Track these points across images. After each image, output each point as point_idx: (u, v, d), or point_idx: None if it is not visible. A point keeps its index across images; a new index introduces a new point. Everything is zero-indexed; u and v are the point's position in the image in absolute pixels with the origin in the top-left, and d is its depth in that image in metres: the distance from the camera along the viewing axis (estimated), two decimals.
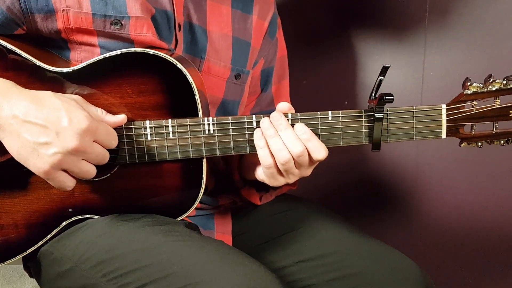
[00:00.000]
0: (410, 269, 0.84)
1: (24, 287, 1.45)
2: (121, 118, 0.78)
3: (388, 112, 0.80)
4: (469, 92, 0.80)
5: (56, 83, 0.79)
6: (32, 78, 0.79)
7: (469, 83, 0.81)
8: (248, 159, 0.88)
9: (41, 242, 0.85)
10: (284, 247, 0.91)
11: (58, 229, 0.84)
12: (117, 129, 0.79)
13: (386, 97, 0.74)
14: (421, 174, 1.31)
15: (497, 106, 0.81)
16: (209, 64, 0.91)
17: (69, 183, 0.73)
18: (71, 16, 0.79)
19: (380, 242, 0.89)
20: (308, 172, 0.80)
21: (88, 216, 0.84)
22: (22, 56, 0.79)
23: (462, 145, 0.85)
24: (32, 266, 0.90)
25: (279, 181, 0.80)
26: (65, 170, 0.72)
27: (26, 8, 0.78)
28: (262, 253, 0.91)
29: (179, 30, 0.87)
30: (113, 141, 0.76)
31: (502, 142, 0.84)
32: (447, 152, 1.27)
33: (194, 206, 0.84)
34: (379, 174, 1.35)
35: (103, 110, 0.78)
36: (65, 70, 0.79)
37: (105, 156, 0.75)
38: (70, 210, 0.83)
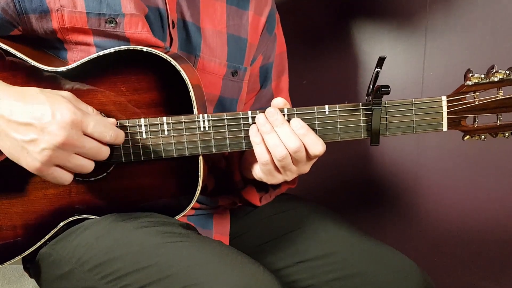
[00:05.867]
0: (410, 269, 0.81)
1: (24, 287, 1.44)
2: (110, 121, 0.74)
3: (386, 105, 0.75)
4: (470, 83, 0.76)
5: (51, 83, 0.77)
6: (28, 79, 0.77)
7: (470, 74, 0.77)
8: (246, 158, 0.84)
9: (39, 243, 0.82)
10: (284, 248, 0.88)
11: (56, 229, 0.82)
12: None
13: (383, 89, 0.70)
14: (422, 174, 1.27)
15: (500, 97, 0.77)
16: (204, 61, 0.88)
17: (65, 177, 0.70)
18: (66, 16, 0.77)
19: (380, 242, 0.86)
20: (306, 168, 0.76)
21: (85, 216, 0.82)
22: (17, 57, 0.77)
23: (465, 138, 0.80)
24: (32, 268, 0.88)
25: (277, 178, 0.76)
26: (59, 165, 0.69)
27: (21, 9, 0.76)
28: (261, 253, 0.88)
29: (173, 27, 0.84)
30: (106, 133, 0.71)
31: (506, 134, 0.79)
32: (448, 151, 1.23)
33: (192, 204, 0.80)
34: (379, 173, 1.32)
35: (94, 109, 0.74)
36: (59, 69, 0.77)
37: (100, 150, 0.71)
38: (67, 210, 0.81)
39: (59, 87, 0.77)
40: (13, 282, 1.42)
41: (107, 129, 0.71)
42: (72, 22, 0.77)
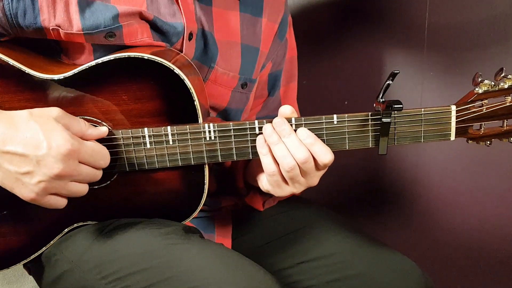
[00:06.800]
0: (411, 270, 0.82)
1: (24, 287, 1.43)
2: (103, 131, 0.71)
3: (395, 115, 0.74)
4: (480, 91, 0.74)
5: (47, 91, 0.73)
6: (22, 87, 0.73)
7: (479, 80, 0.75)
8: (253, 169, 0.82)
9: (44, 249, 0.81)
10: (285, 249, 0.88)
11: (60, 235, 0.80)
12: (115, 137, 0.73)
13: (395, 106, 0.68)
14: (422, 175, 1.27)
15: (509, 104, 0.75)
16: (217, 73, 0.84)
17: (60, 203, 0.69)
18: (62, 34, 0.72)
19: (381, 243, 0.86)
20: (315, 181, 0.74)
21: (89, 222, 0.80)
22: (9, 64, 0.72)
23: (470, 141, 0.79)
24: (32, 267, 0.87)
25: (285, 190, 0.74)
26: (55, 194, 0.67)
27: (14, 23, 0.71)
28: (262, 254, 0.88)
29: (190, 39, 0.79)
30: (102, 161, 0.70)
31: (511, 139, 0.79)
32: (447, 152, 1.23)
33: (197, 211, 0.79)
34: (379, 174, 1.31)
35: (86, 123, 0.70)
36: (56, 77, 0.72)
37: (95, 175, 0.70)
38: (71, 217, 0.79)
39: (54, 96, 0.73)
40: (13, 282, 1.41)
41: (102, 156, 0.70)
42: (70, 38, 0.72)
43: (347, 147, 0.75)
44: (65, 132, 0.65)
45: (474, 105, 0.75)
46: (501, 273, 1.26)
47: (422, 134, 0.75)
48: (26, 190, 0.65)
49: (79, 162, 0.67)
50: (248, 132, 0.74)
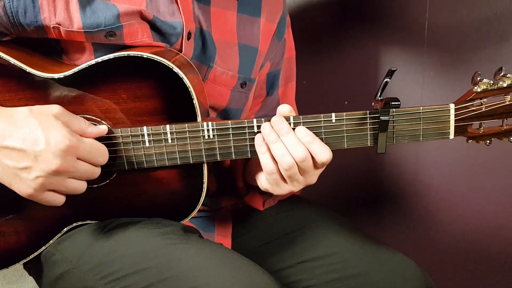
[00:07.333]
0: (411, 270, 0.81)
1: (24, 287, 1.43)
2: (102, 129, 0.72)
3: (394, 113, 0.74)
4: (479, 90, 0.74)
5: (47, 90, 0.73)
6: (23, 85, 0.73)
7: (478, 79, 0.75)
8: (251, 168, 0.82)
9: (43, 248, 0.81)
10: (285, 248, 0.87)
11: (59, 235, 0.80)
12: (115, 136, 0.74)
13: (393, 103, 0.68)
14: (422, 175, 1.26)
15: (508, 103, 0.75)
16: (216, 72, 0.84)
17: (58, 200, 0.69)
18: (63, 32, 0.72)
19: (381, 242, 0.86)
20: (313, 179, 0.74)
21: (89, 222, 0.80)
22: (10, 63, 0.72)
23: (470, 141, 0.79)
24: (32, 267, 0.87)
25: (283, 188, 0.74)
26: (52, 190, 0.68)
27: (15, 22, 0.72)
28: (262, 254, 0.88)
29: (188, 38, 0.79)
30: (100, 158, 0.70)
31: (511, 139, 0.79)
32: (448, 153, 1.22)
33: (195, 211, 0.79)
34: (379, 174, 1.31)
35: (86, 121, 0.71)
36: (56, 76, 0.73)
37: (93, 172, 0.70)
38: (71, 216, 0.79)
39: (55, 95, 0.73)
40: (13, 282, 1.41)
41: (100, 153, 0.70)
42: (70, 37, 0.73)
43: (345, 145, 0.75)
44: (64, 129, 0.65)
45: (473, 104, 0.75)
46: (502, 273, 1.25)
47: (421, 133, 0.74)
48: (24, 185, 0.66)
49: (78, 158, 0.67)
50: (247, 131, 0.74)
